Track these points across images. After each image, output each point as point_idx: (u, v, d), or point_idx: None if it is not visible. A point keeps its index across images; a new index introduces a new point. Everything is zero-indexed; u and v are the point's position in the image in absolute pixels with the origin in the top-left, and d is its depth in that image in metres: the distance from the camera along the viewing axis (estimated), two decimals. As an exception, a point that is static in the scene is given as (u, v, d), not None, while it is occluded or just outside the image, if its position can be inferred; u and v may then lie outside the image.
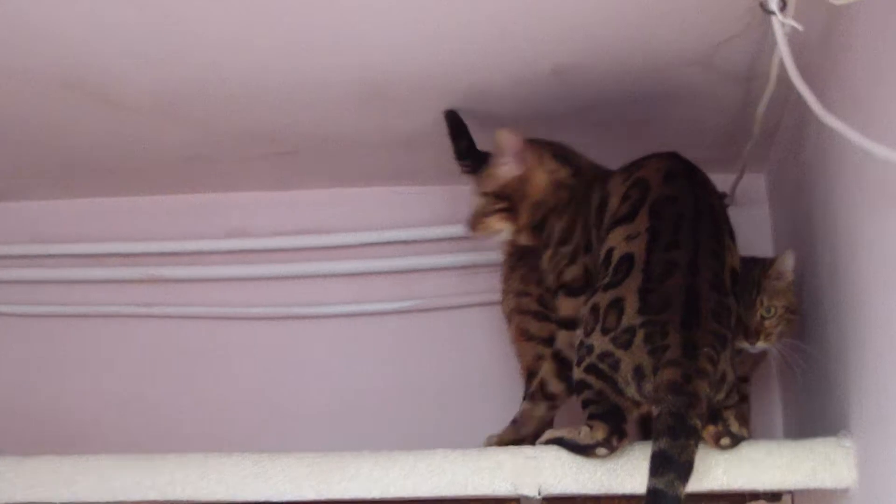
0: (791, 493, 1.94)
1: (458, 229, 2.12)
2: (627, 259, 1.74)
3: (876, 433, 1.52)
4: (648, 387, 1.63)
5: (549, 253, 1.93)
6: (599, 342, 1.70)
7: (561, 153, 1.97)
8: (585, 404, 1.70)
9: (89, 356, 2.38)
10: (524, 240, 1.98)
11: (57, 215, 2.43)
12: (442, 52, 1.78)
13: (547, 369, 1.87)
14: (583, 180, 1.95)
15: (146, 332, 2.38)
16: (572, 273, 1.89)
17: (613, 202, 1.84)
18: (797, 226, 1.93)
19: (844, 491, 1.62)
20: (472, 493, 1.67)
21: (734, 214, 2.17)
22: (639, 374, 1.65)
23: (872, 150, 1.31)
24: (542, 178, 1.95)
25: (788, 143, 2.03)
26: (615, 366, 1.67)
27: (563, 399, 1.86)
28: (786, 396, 2.18)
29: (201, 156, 2.19)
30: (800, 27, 1.44)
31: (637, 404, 1.67)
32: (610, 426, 1.66)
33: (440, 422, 2.12)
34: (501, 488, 1.66)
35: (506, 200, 1.95)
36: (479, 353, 2.29)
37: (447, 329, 2.33)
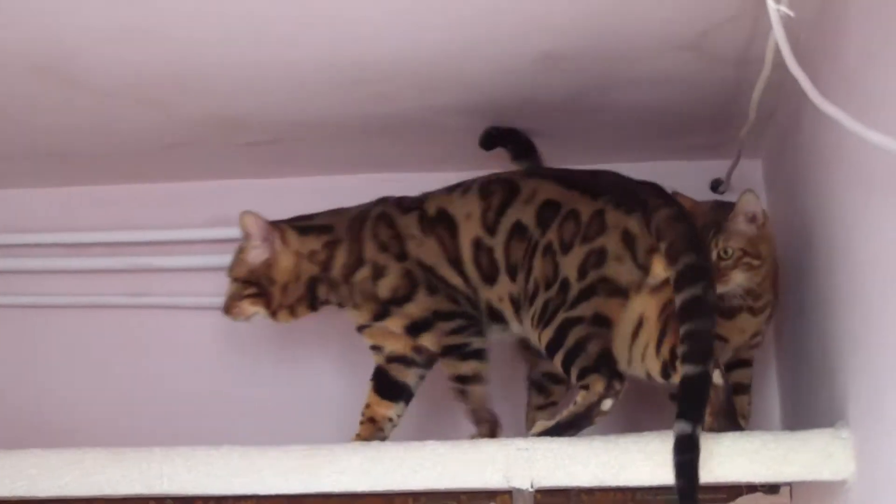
0: (790, 484, 1.92)
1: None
2: (551, 203, 1.77)
3: (874, 424, 1.51)
4: (644, 245, 1.67)
5: (345, 291, 1.92)
6: (570, 263, 1.71)
7: (303, 224, 1.97)
8: (572, 355, 1.69)
9: (70, 347, 2.37)
10: (284, 318, 1.96)
11: (34, 204, 2.41)
12: (424, 38, 1.76)
13: (447, 365, 1.86)
14: (341, 226, 1.94)
15: (128, 322, 2.36)
16: (388, 284, 1.89)
17: (463, 210, 1.86)
18: (794, 213, 1.92)
19: (842, 483, 1.61)
20: (464, 485, 1.66)
21: (730, 201, 2.14)
22: (629, 239, 1.69)
23: (868, 136, 1.29)
24: (289, 260, 1.94)
25: (784, 128, 2.02)
26: (602, 258, 1.69)
27: (482, 366, 1.85)
28: (783, 387, 2.18)
29: (181, 143, 2.17)
30: (792, 14, 1.43)
31: (626, 294, 1.68)
32: (605, 375, 1.66)
33: (427, 414, 2.10)
34: (493, 481, 1.65)
35: (254, 286, 1.94)
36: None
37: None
